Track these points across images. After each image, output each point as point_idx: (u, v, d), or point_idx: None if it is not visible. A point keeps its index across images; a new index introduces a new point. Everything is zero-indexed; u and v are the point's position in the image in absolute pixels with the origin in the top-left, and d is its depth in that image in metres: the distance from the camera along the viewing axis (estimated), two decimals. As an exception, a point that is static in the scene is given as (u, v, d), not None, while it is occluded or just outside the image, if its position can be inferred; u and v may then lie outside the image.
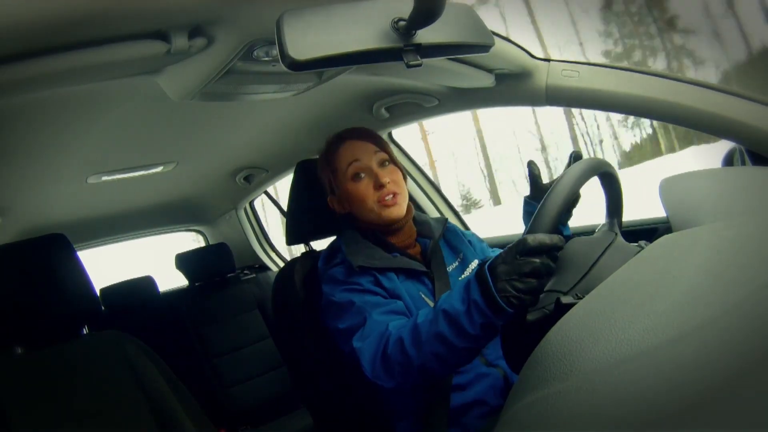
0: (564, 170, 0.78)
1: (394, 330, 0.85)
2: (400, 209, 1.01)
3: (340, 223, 1.09)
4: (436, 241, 1.07)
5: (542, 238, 0.68)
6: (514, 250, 0.70)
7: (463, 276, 1.07)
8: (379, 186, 1.00)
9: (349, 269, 0.98)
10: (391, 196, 1.00)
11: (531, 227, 0.71)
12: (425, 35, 0.65)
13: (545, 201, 0.71)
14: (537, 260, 0.68)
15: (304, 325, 1.07)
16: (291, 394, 2.04)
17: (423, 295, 1.00)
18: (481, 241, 1.19)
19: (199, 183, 2.07)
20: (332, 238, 1.21)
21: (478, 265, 0.75)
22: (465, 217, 1.83)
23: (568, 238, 1.00)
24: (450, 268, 1.07)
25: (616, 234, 0.88)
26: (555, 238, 0.69)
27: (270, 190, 2.28)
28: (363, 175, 1.01)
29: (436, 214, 1.75)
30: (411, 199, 1.10)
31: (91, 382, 1.09)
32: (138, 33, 0.68)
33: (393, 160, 1.05)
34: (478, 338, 0.75)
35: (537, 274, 0.68)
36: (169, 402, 1.12)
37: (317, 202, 1.15)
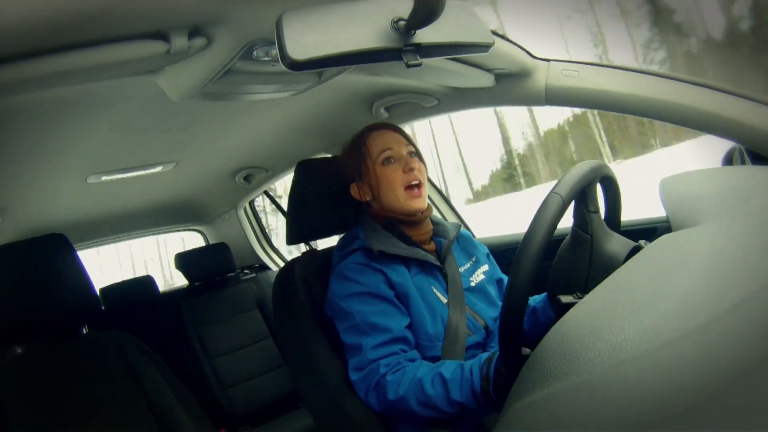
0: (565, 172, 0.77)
1: (389, 375, 0.91)
2: (424, 201, 1.05)
3: (356, 214, 1.12)
4: (452, 240, 1.10)
5: None
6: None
7: (474, 276, 1.11)
8: (408, 169, 1.04)
9: (364, 257, 1.01)
10: (418, 183, 1.04)
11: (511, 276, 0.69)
12: (425, 35, 0.65)
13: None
14: None
15: (305, 324, 1.07)
16: (291, 394, 2.04)
17: (434, 289, 1.03)
18: (489, 255, 1.21)
19: (199, 183, 2.07)
20: (332, 238, 1.22)
21: (478, 380, 0.83)
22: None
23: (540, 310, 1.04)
24: (462, 269, 1.09)
25: (591, 236, 0.83)
26: None
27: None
28: (393, 160, 1.06)
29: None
30: None
31: (90, 381, 1.09)
32: (137, 33, 0.68)
33: (419, 155, 1.09)
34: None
35: None
36: (169, 402, 1.12)
37: (317, 201, 1.15)
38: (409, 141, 1.09)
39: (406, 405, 0.89)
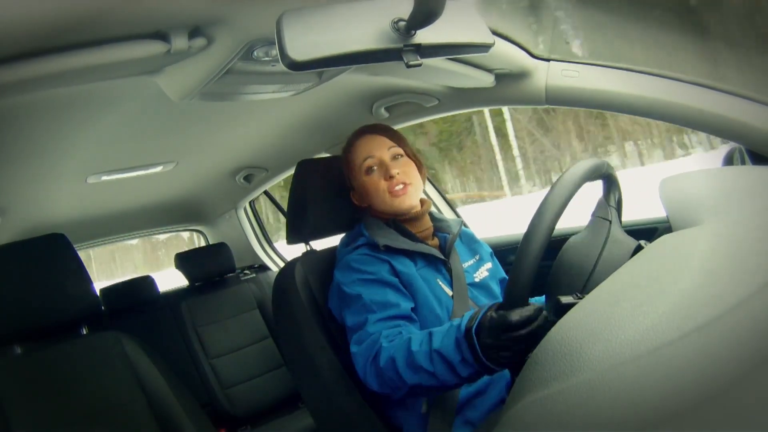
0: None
1: (386, 342, 0.89)
2: (411, 199, 1.05)
3: (358, 217, 1.12)
4: (455, 235, 1.11)
5: (527, 312, 0.69)
6: (498, 327, 0.70)
7: (477, 272, 1.11)
8: (388, 177, 1.04)
9: (370, 251, 1.02)
10: (401, 186, 1.03)
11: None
12: (425, 35, 0.65)
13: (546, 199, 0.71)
14: (522, 331, 0.68)
15: (304, 324, 1.07)
16: (291, 394, 2.04)
17: (440, 282, 1.04)
18: (492, 254, 1.22)
19: (199, 183, 2.07)
20: (333, 238, 1.22)
21: (466, 321, 0.78)
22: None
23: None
24: (466, 265, 1.11)
25: (610, 222, 0.85)
26: (539, 312, 0.69)
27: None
28: (375, 168, 1.06)
29: None
30: None
31: (90, 381, 1.09)
32: (138, 33, 0.68)
33: (408, 154, 1.09)
34: (471, 378, 0.81)
35: (523, 342, 0.69)
36: (169, 402, 1.12)
37: (318, 201, 1.15)
38: (395, 141, 1.08)
39: (394, 368, 0.85)
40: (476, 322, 0.75)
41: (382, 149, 1.07)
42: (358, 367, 0.93)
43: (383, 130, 1.11)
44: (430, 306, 0.99)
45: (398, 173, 1.03)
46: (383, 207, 1.06)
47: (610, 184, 0.88)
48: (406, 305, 0.97)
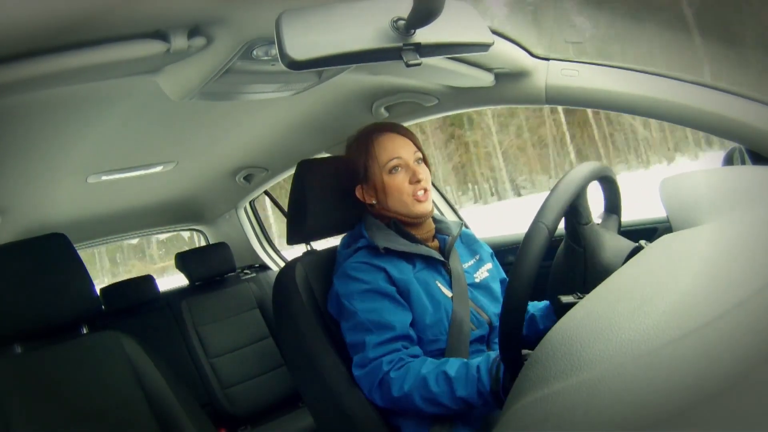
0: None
1: (393, 372, 0.94)
2: (429, 205, 1.06)
3: (357, 214, 1.12)
4: (455, 237, 1.11)
5: None
6: None
7: (478, 273, 1.12)
8: (416, 180, 1.04)
9: (369, 255, 1.02)
10: (423, 191, 1.05)
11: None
12: (424, 34, 0.65)
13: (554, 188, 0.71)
14: None
15: (305, 324, 1.07)
16: (291, 394, 2.04)
17: (439, 283, 1.04)
18: (493, 255, 1.22)
19: (199, 182, 2.07)
20: (334, 238, 1.22)
21: (487, 378, 0.85)
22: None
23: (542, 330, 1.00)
24: (466, 266, 1.11)
25: (583, 248, 0.83)
26: None
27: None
28: (400, 169, 1.05)
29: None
30: None
31: (90, 381, 1.09)
32: (137, 33, 0.68)
33: (425, 160, 1.09)
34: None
35: None
36: (169, 402, 1.12)
37: (318, 201, 1.15)
38: (416, 145, 1.08)
39: (410, 401, 0.91)
40: (501, 386, 0.81)
41: (408, 151, 1.06)
42: (363, 390, 0.98)
43: (405, 132, 1.10)
44: (425, 312, 1.00)
45: (424, 178, 1.04)
46: (401, 208, 1.05)
47: (610, 186, 0.88)
48: (403, 322, 0.97)
